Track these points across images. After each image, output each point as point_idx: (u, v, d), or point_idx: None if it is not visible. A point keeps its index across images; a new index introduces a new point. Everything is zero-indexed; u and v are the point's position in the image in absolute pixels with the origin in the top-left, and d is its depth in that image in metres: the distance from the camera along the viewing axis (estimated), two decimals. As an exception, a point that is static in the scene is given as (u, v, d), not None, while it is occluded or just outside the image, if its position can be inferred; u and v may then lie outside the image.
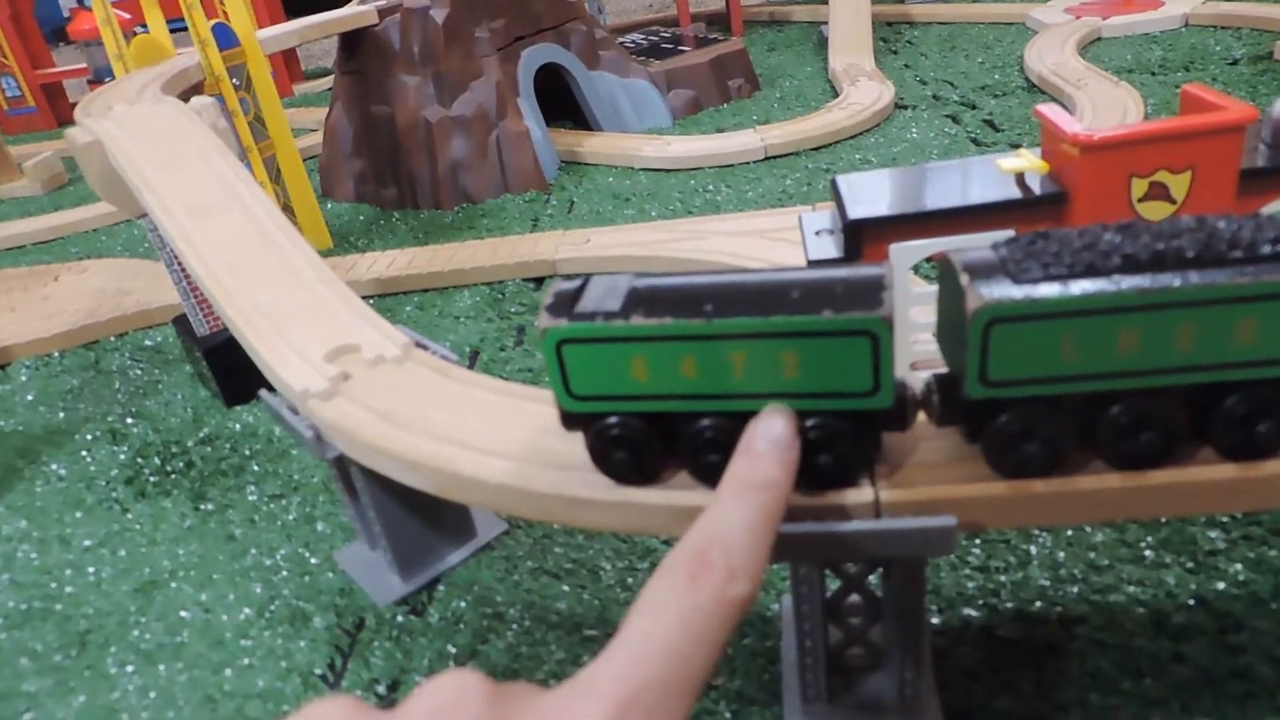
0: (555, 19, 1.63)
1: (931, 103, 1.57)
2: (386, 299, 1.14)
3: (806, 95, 1.73)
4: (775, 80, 1.87)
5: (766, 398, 0.41)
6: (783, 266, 0.45)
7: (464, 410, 0.55)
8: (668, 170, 1.43)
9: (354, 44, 1.55)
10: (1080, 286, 0.38)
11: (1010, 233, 0.62)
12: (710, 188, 1.33)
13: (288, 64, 2.72)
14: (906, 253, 0.60)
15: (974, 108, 1.51)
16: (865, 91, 1.57)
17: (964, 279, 0.39)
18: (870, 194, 0.68)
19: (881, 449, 0.43)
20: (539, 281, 1.11)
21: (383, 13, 1.51)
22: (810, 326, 0.39)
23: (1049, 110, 0.65)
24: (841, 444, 0.41)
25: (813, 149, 1.41)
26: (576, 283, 0.45)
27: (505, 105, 1.46)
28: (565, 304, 0.43)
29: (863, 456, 0.42)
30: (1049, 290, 0.38)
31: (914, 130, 1.44)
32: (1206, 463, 0.40)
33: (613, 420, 0.44)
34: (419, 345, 0.63)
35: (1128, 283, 0.38)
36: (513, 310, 1.05)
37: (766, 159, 1.40)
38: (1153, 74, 1.55)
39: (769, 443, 0.38)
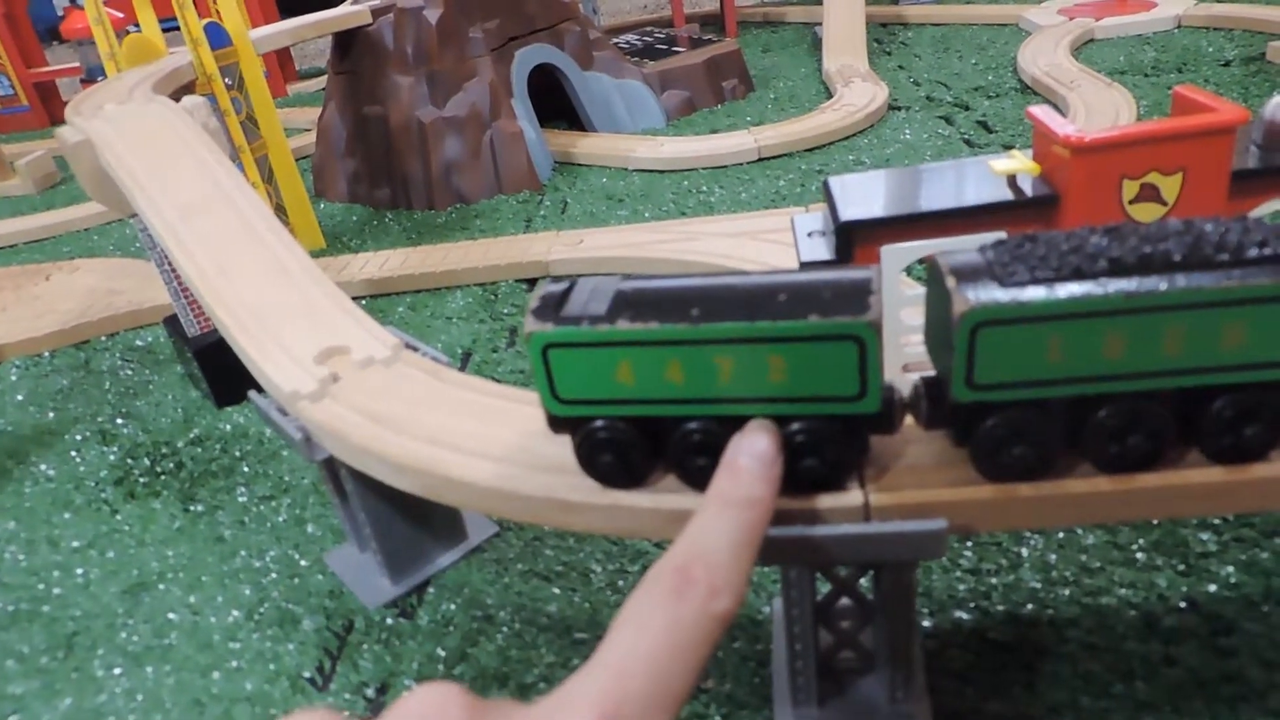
0: (549, 19, 1.63)
1: (925, 104, 1.57)
2: (379, 300, 1.13)
3: (800, 96, 1.73)
4: (769, 81, 1.87)
5: (753, 402, 0.41)
6: (771, 269, 0.44)
7: (454, 412, 0.55)
8: (661, 171, 1.43)
9: (347, 44, 1.55)
10: (1066, 290, 0.38)
11: (1002, 234, 0.62)
12: (704, 189, 1.33)
13: (282, 64, 2.71)
14: (898, 254, 0.60)
15: (967, 109, 1.51)
16: (859, 93, 1.57)
17: (950, 282, 0.39)
18: (862, 196, 0.68)
19: (869, 452, 0.43)
20: (532, 282, 1.10)
21: (376, 13, 1.50)
22: (796, 331, 0.39)
23: (1040, 112, 0.65)
24: (829, 448, 0.41)
25: (806, 150, 1.41)
26: (563, 285, 0.44)
27: (499, 106, 1.46)
28: (551, 307, 0.43)
29: (850, 460, 0.42)
30: (1035, 293, 0.38)
31: (907, 131, 1.44)
32: (1194, 466, 0.40)
33: (599, 424, 0.44)
34: (409, 347, 0.63)
35: (1114, 286, 0.38)
36: (505, 311, 1.04)
37: (760, 160, 1.40)
38: (1145, 75, 1.55)
39: (752, 459, 0.38)
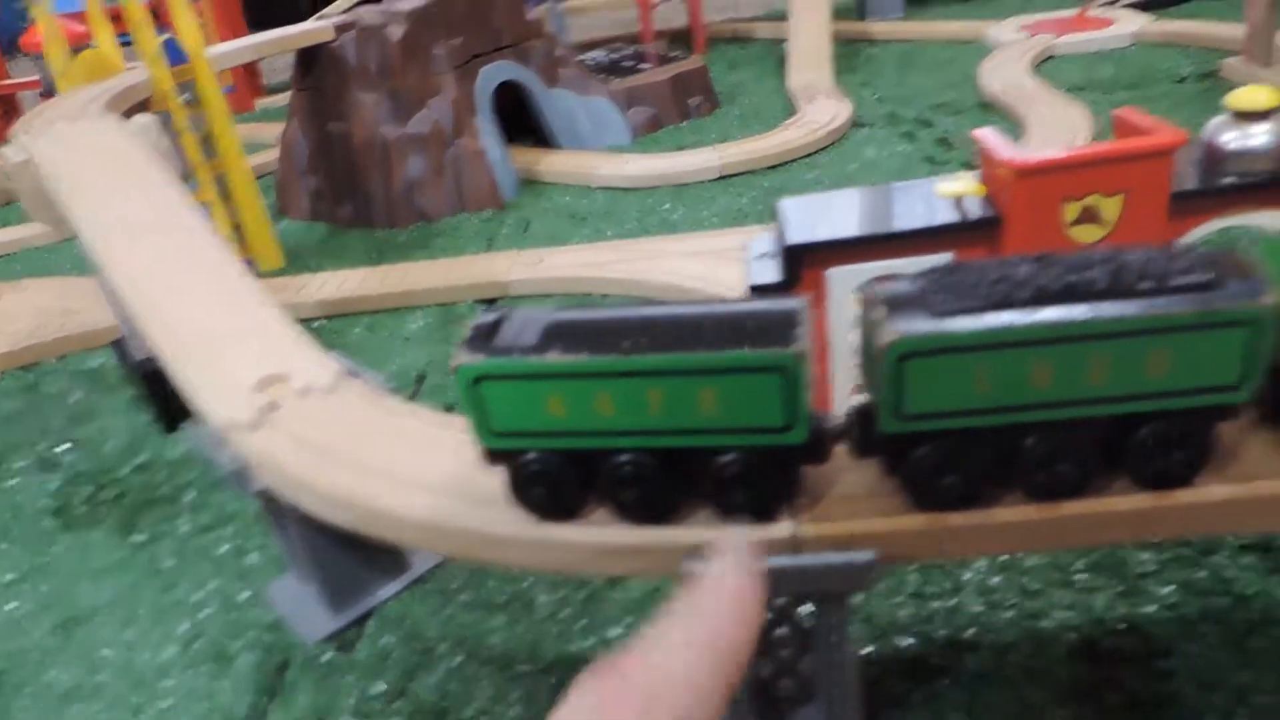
0: (515, 36, 1.63)
1: (888, 120, 1.58)
2: (336, 321, 1.12)
3: (766, 113, 1.74)
4: (736, 98, 1.88)
5: (683, 434, 0.41)
6: (703, 298, 0.44)
7: (392, 442, 0.54)
8: (625, 189, 1.43)
9: (311, 60, 1.54)
10: (992, 320, 0.38)
11: (949, 256, 0.62)
12: (666, 206, 1.33)
13: (249, 78, 2.69)
14: (846, 277, 0.60)
15: (929, 125, 1.53)
16: (822, 109, 1.58)
17: (877, 312, 0.39)
18: (812, 218, 0.68)
19: (801, 482, 0.42)
20: (491, 303, 1.10)
21: (340, 29, 1.50)
22: (724, 363, 0.38)
23: (986, 134, 0.66)
24: (759, 479, 0.41)
25: (769, 167, 1.41)
26: (494, 316, 0.44)
27: (462, 123, 1.45)
28: (482, 339, 0.43)
29: (781, 491, 0.42)
30: (962, 324, 0.38)
31: (869, 148, 1.45)
32: (1122, 492, 0.40)
33: (531, 456, 0.43)
34: (352, 374, 0.62)
35: (1039, 315, 0.37)
36: (463, 333, 1.03)
37: (723, 178, 1.40)
38: (1103, 92, 1.57)
39: (718, 591, 0.31)
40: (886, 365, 0.38)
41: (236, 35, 2.55)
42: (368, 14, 1.48)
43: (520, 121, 1.66)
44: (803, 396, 0.39)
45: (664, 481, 0.42)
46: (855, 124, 1.58)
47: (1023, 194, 0.61)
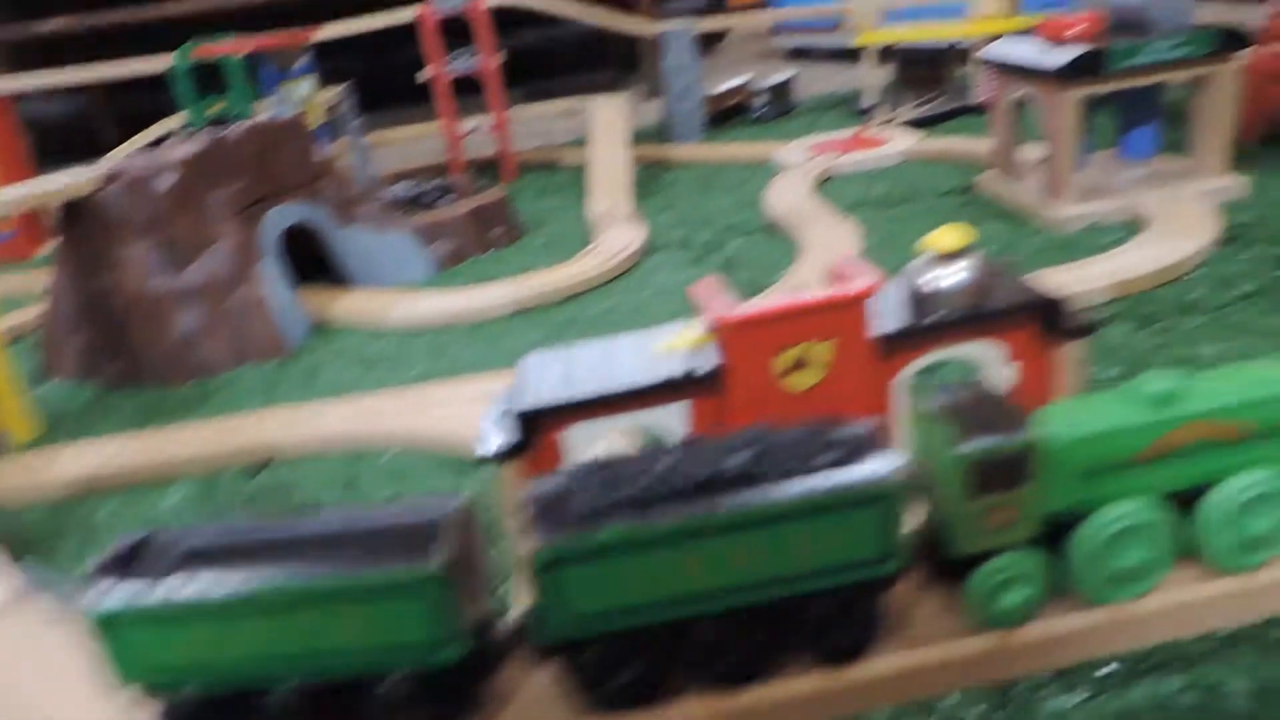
0: (303, 178, 1.60)
1: (680, 244, 1.64)
2: (86, 502, 1.02)
3: (567, 241, 1.77)
4: (541, 226, 1.91)
5: (335, 659, 0.38)
6: (359, 504, 0.42)
7: (54, 679, 0.47)
8: (418, 330, 1.40)
9: (77, 210, 1.45)
10: (636, 519, 0.37)
11: (680, 407, 0.63)
12: (459, 345, 1.31)
13: (31, 223, 2.52)
14: (581, 436, 0.59)
15: (719, 248, 1.59)
16: (617, 237, 1.62)
17: (524, 517, 0.38)
18: (550, 376, 0.67)
19: (478, 696, 0.40)
20: (263, 467, 1.03)
21: (107, 179, 1.43)
22: (357, 586, 0.36)
23: (700, 289, 0.68)
24: (424, 703, 0.38)
25: (563, 300, 1.43)
26: (134, 539, 0.40)
27: (243, 271, 1.40)
28: (112, 570, 0.39)
29: (451, 711, 0.39)
30: (605, 525, 0.37)
31: (662, 274, 1.49)
32: (797, 674, 0.40)
33: (185, 696, 0.39)
34: (36, 589, 0.56)
35: (680, 511, 0.37)
36: (225, 508, 0.96)
37: (517, 313, 1.40)
38: (876, 208, 1.70)
39: None
40: (534, 574, 0.37)
41: (21, 177, 2.40)
42: (136, 163, 1.43)
43: (314, 262, 1.62)
44: (446, 613, 0.37)
45: (325, 717, 0.39)
46: (650, 249, 1.63)
47: (735, 347, 0.63)
